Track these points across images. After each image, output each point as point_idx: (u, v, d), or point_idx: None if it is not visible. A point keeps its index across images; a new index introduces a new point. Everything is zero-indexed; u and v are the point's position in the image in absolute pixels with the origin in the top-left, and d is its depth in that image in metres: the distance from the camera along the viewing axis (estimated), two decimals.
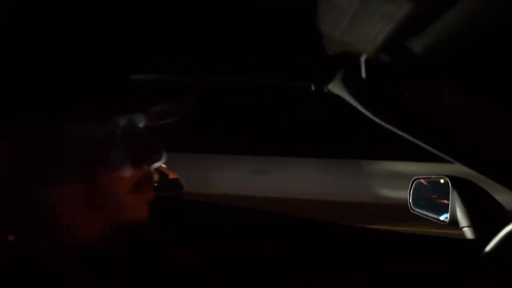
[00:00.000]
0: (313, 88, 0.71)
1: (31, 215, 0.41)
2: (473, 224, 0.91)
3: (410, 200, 1.11)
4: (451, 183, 0.98)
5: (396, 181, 5.23)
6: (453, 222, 0.97)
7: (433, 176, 1.07)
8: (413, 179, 1.14)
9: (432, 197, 1.07)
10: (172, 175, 4.06)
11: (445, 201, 1.00)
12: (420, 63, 0.51)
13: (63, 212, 0.41)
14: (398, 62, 0.52)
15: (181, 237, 0.68)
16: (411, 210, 1.09)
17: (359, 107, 0.65)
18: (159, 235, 0.54)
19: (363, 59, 0.56)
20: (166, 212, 0.74)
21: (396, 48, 0.50)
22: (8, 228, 0.40)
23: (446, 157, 0.62)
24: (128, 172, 0.43)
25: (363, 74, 0.57)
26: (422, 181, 1.10)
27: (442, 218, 1.01)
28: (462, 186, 0.96)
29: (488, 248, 0.75)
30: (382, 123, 0.64)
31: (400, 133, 0.65)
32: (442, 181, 1.02)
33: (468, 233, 0.92)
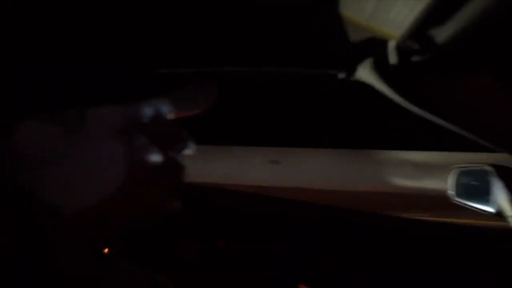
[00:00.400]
0: (339, 76, 0.69)
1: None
2: None
3: (453, 190, 1.06)
4: (496, 172, 0.92)
5: (408, 170, 5.10)
6: (499, 211, 0.92)
7: (474, 165, 1.02)
8: (453, 167, 1.09)
9: (475, 186, 1.02)
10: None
11: (489, 190, 0.94)
12: (443, 52, 0.48)
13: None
14: (424, 50, 0.49)
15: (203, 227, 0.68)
16: (453, 200, 1.05)
17: (390, 94, 0.62)
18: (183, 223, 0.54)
19: (391, 45, 0.53)
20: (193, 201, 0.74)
21: (421, 36, 0.47)
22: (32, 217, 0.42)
23: (481, 142, 0.58)
24: (153, 159, 0.44)
25: (393, 60, 0.55)
26: (464, 170, 1.05)
27: (486, 208, 0.96)
28: (507, 175, 0.91)
29: None
30: (415, 109, 0.62)
31: (434, 120, 0.62)
32: (485, 169, 0.97)
33: None
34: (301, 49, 0.65)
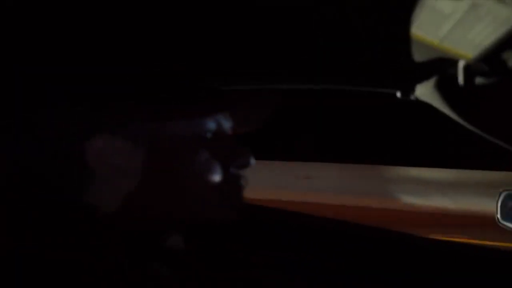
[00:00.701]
0: (398, 95, 0.68)
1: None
2: None
3: (499, 213, 1.03)
4: None
5: (427, 188, 5.04)
6: None
7: None
8: (501, 190, 1.06)
9: None
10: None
11: None
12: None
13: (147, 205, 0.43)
14: (492, 72, 0.49)
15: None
16: (500, 224, 1.02)
17: (452, 115, 0.62)
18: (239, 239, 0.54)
19: (461, 64, 0.53)
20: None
21: (495, 58, 0.47)
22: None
23: None
24: (215, 174, 0.44)
25: (461, 81, 0.54)
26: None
27: None
28: None
29: None
30: (477, 131, 0.61)
31: (496, 141, 0.61)
32: None
33: None
34: (363, 65, 0.65)
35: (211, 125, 0.45)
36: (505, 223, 1.01)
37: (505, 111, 0.55)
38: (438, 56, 0.55)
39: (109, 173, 0.42)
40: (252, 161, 0.47)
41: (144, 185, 0.42)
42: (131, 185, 0.42)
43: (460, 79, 0.54)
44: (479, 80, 0.53)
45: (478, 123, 0.61)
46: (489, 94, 0.56)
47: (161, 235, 0.45)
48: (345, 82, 0.72)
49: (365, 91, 0.72)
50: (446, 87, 0.59)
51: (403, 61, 0.60)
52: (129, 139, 0.42)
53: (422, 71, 0.62)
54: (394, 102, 0.68)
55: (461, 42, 0.47)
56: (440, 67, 0.58)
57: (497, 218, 1.03)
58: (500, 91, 0.54)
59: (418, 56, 0.58)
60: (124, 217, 0.42)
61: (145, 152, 0.42)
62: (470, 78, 0.53)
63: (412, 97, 0.67)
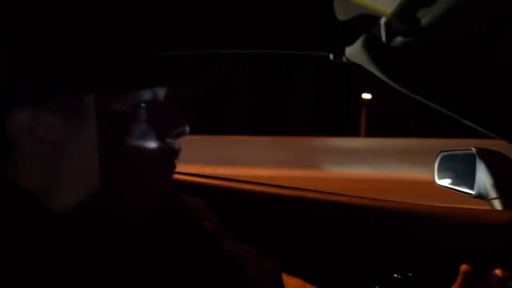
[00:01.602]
0: (331, 57, 0.69)
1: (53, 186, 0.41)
2: (501, 196, 0.89)
3: (436, 174, 1.08)
4: (478, 155, 0.95)
5: (395, 157, 5.38)
6: (480, 194, 0.94)
7: (459, 149, 1.04)
8: (438, 152, 1.11)
9: (458, 170, 1.04)
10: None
11: (472, 174, 0.97)
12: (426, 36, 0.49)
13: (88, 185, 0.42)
14: (410, 31, 0.50)
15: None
16: (436, 184, 1.07)
17: (380, 74, 0.63)
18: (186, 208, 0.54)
19: (382, 22, 0.54)
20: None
21: (408, 16, 0.48)
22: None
23: (469, 124, 0.60)
24: (152, 145, 0.44)
25: (383, 38, 0.56)
26: (448, 154, 1.07)
27: (468, 190, 0.98)
28: (490, 157, 0.93)
29: None
30: (404, 90, 0.63)
31: (424, 101, 0.63)
32: (468, 153, 0.99)
33: (496, 204, 0.90)
34: (293, 30, 0.66)
35: (145, 95, 0.44)
36: (441, 183, 1.07)
37: (424, 70, 0.57)
38: (362, 13, 0.56)
39: (42, 148, 0.40)
40: (188, 129, 0.47)
41: (82, 161, 0.41)
42: (71, 162, 0.41)
43: (383, 36, 0.55)
44: (400, 39, 0.55)
45: (404, 83, 0.63)
46: (411, 53, 0.58)
47: (108, 214, 0.43)
48: (280, 47, 0.72)
49: (300, 54, 0.72)
50: (372, 47, 0.60)
51: (332, 23, 0.61)
52: (59, 113, 0.40)
53: (350, 32, 0.63)
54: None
55: None
56: (365, 26, 0.59)
57: (435, 178, 1.08)
58: (418, 50, 0.55)
59: (344, 15, 0.58)
60: (68, 195, 0.41)
61: (78, 126, 0.41)
62: (391, 35, 0.54)
63: (344, 59, 0.68)
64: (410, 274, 0.80)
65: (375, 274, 0.79)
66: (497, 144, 0.67)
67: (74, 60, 0.40)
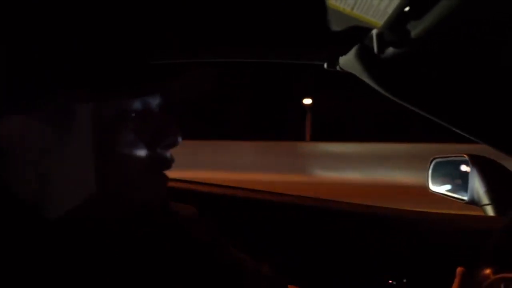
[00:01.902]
0: (325, 66, 0.71)
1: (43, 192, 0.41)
2: (493, 202, 0.90)
3: (429, 180, 1.09)
4: (470, 161, 0.96)
5: (389, 162, 5.41)
6: (473, 200, 0.95)
7: (452, 156, 1.06)
8: (432, 159, 1.13)
9: (451, 176, 1.06)
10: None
11: (465, 180, 0.98)
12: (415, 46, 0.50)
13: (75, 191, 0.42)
14: (400, 42, 0.51)
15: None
16: (430, 190, 1.08)
17: (372, 84, 0.65)
18: (176, 218, 0.54)
19: (374, 33, 0.55)
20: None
21: (399, 27, 0.49)
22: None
23: (461, 133, 0.61)
24: (141, 155, 0.43)
25: (376, 49, 0.57)
26: (441, 160, 1.08)
27: (461, 196, 1.00)
28: (482, 164, 0.95)
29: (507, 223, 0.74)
30: (395, 99, 0.64)
31: (415, 109, 0.64)
32: (461, 159, 1.01)
33: (488, 211, 0.91)
34: (287, 39, 0.67)
35: (135, 104, 0.44)
36: (434, 189, 1.08)
37: (415, 80, 0.59)
38: (354, 24, 0.57)
39: (31, 155, 0.40)
40: (180, 139, 0.47)
41: (72, 168, 0.41)
42: (62, 169, 0.41)
43: (375, 47, 0.56)
44: (391, 49, 0.56)
45: (396, 92, 0.64)
46: (402, 64, 0.59)
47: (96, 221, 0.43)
48: (274, 56, 0.73)
49: (294, 63, 0.73)
50: (365, 57, 0.62)
51: (327, 33, 0.62)
52: (48, 120, 0.40)
53: (344, 43, 0.64)
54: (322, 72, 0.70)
55: (369, 9, 0.49)
56: (358, 36, 0.60)
57: (428, 185, 1.10)
58: (409, 60, 0.57)
59: (338, 25, 0.60)
60: (56, 202, 0.41)
61: (68, 134, 0.41)
62: (383, 46, 0.56)
63: (337, 68, 0.70)
64: (404, 280, 0.81)
65: (369, 281, 0.80)
66: (488, 150, 0.69)
67: (67, 63, 0.40)
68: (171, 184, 0.49)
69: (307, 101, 8.11)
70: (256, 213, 0.81)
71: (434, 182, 1.09)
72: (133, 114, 0.43)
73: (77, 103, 0.41)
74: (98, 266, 0.42)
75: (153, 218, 0.48)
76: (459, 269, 0.56)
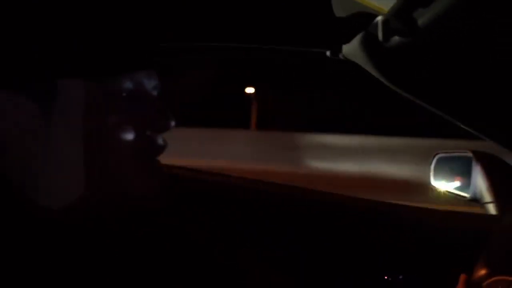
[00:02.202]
0: (328, 54, 0.68)
1: (28, 174, 0.39)
2: (496, 200, 0.88)
3: (432, 175, 1.07)
4: (474, 158, 0.94)
5: (389, 156, 5.39)
6: (475, 197, 0.93)
7: (455, 151, 1.03)
8: (435, 154, 1.10)
9: (454, 172, 1.04)
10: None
11: (468, 177, 0.96)
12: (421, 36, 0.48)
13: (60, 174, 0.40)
14: (406, 31, 0.49)
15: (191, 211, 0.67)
16: (432, 185, 1.06)
17: (376, 74, 0.62)
18: (167, 207, 0.52)
19: (380, 20, 0.53)
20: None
21: (406, 15, 0.47)
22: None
23: (464, 127, 0.59)
24: (129, 138, 0.41)
25: (380, 37, 0.54)
26: (444, 156, 1.06)
27: (463, 193, 0.98)
28: (486, 161, 0.92)
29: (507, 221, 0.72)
30: (398, 91, 0.62)
31: (417, 101, 0.62)
32: (465, 156, 0.98)
33: (490, 208, 0.89)
34: (290, 27, 0.64)
35: (127, 84, 0.42)
36: (436, 185, 1.06)
37: (420, 71, 0.56)
38: (360, 11, 0.55)
39: (15, 133, 0.38)
40: (173, 123, 0.44)
41: (63, 152, 0.39)
42: (45, 150, 0.39)
43: (380, 35, 0.54)
44: (397, 38, 0.54)
45: (400, 84, 0.62)
46: (407, 53, 0.56)
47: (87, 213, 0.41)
48: (276, 43, 0.71)
49: (296, 51, 0.71)
50: (369, 45, 0.59)
51: (330, 20, 0.60)
52: (35, 97, 0.38)
53: (348, 30, 0.62)
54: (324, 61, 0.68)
55: None
56: (363, 23, 0.58)
57: (430, 179, 1.07)
58: (415, 50, 0.54)
59: (342, 12, 0.57)
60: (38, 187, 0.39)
61: (54, 113, 0.39)
62: (388, 34, 0.53)
63: (340, 56, 0.67)
64: (400, 277, 0.80)
65: (365, 276, 0.79)
66: (493, 146, 0.67)
67: (56, 43, 0.38)
68: (176, 171, 0.47)
69: (250, 90, 8.09)
70: (248, 203, 0.80)
71: (436, 178, 1.07)
72: (124, 94, 0.41)
73: (64, 81, 0.39)
74: (98, 266, 0.40)
75: (153, 218, 0.47)
76: (462, 276, 0.54)
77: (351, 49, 0.63)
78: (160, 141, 0.44)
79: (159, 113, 0.44)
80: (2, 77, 0.38)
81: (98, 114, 0.40)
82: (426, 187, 1.08)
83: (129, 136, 0.41)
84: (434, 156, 1.10)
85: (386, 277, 0.80)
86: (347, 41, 0.64)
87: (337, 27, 0.62)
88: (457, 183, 1.01)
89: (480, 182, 0.92)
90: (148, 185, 0.44)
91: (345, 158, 5.64)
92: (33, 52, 0.38)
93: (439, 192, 1.05)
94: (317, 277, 0.74)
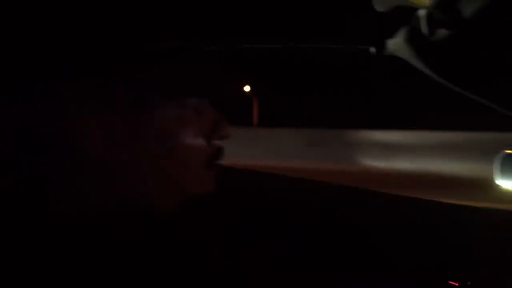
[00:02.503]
0: (373, 51, 0.66)
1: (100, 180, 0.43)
2: None
3: (496, 174, 1.00)
4: None
5: (379, 151, 4.98)
6: None
7: None
8: (502, 151, 1.03)
9: None
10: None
11: None
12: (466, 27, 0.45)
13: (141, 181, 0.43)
14: (451, 23, 0.46)
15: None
16: (496, 183, 0.99)
17: (425, 69, 0.60)
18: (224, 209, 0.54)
19: (422, 13, 0.51)
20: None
21: (450, 6, 0.44)
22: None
23: None
24: (201, 147, 0.45)
25: (425, 30, 0.52)
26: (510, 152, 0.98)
27: None
28: None
29: None
30: (449, 84, 0.59)
31: (471, 95, 0.59)
32: None
33: None
34: (333, 23, 0.64)
35: (193, 100, 0.46)
36: (502, 184, 0.99)
37: (471, 63, 0.53)
38: (402, 5, 0.53)
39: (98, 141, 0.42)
40: (230, 133, 0.49)
41: (136, 161, 0.43)
42: (124, 158, 0.43)
43: (424, 28, 0.52)
44: (443, 31, 0.51)
45: (450, 77, 0.59)
46: (455, 47, 0.54)
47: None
48: (320, 40, 0.70)
49: (340, 48, 0.70)
50: (414, 40, 0.57)
51: (373, 15, 0.58)
52: (118, 115, 0.42)
53: (392, 25, 0.60)
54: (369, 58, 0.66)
55: None
56: (407, 18, 0.56)
57: (495, 177, 1.00)
58: (463, 43, 0.51)
59: (384, 6, 0.56)
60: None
61: (134, 130, 0.43)
62: (433, 28, 0.51)
63: (386, 53, 0.65)
64: (469, 283, 0.75)
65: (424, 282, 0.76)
66: None
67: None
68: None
69: (246, 88, 7.86)
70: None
71: (502, 176, 1.00)
72: (191, 110, 0.45)
73: (147, 102, 0.43)
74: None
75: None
76: None
77: (396, 44, 0.61)
78: (223, 148, 0.48)
79: (219, 123, 0.47)
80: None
81: (175, 128, 0.44)
82: (490, 186, 1.01)
83: (201, 145, 0.47)
84: (500, 153, 1.02)
85: (451, 283, 0.76)
86: (391, 36, 0.62)
87: (380, 22, 0.60)
88: None
89: None
90: (210, 187, 0.48)
91: (400, 155, 5.38)
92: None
93: (505, 191, 0.97)
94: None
